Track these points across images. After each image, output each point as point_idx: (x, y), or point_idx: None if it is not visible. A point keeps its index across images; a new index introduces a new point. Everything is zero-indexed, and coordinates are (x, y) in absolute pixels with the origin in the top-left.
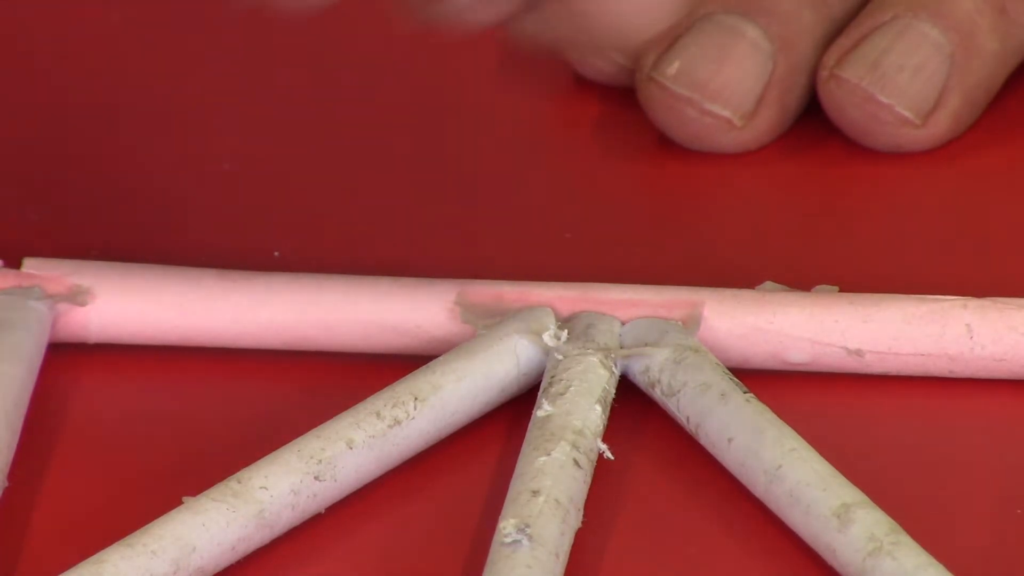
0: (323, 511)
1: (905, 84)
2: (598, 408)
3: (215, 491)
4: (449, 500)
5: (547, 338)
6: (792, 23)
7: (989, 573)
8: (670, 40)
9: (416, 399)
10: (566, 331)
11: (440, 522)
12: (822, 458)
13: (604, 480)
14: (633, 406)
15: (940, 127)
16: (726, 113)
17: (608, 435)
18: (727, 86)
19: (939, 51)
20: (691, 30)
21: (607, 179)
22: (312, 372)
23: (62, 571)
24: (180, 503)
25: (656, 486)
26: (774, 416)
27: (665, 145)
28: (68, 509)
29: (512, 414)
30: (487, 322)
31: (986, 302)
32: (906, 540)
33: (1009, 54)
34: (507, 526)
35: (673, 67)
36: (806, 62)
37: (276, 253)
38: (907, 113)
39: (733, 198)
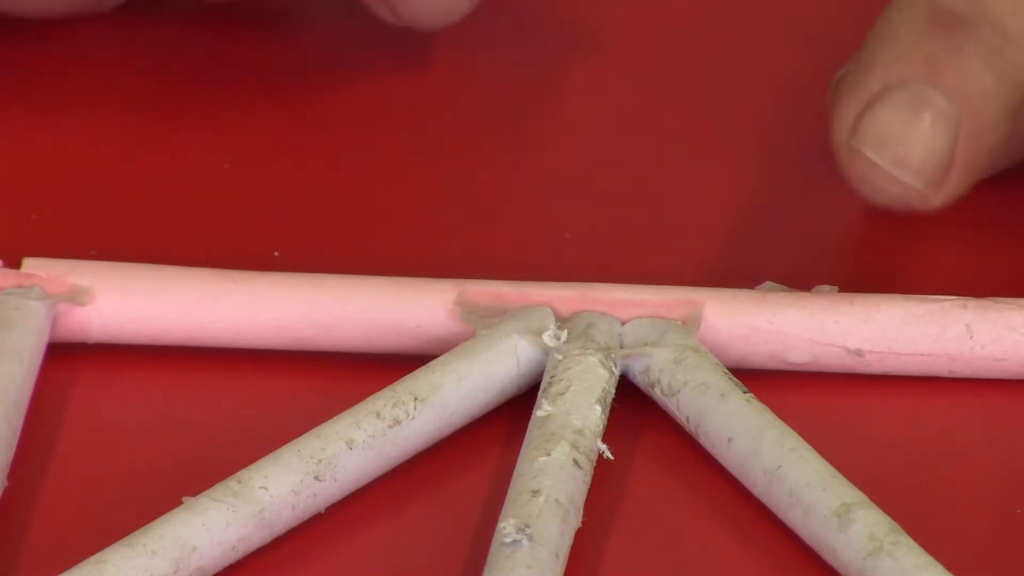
0: (323, 511)
1: (914, 156)
2: (598, 408)
3: (215, 491)
4: (449, 500)
5: (547, 338)
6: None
7: (989, 573)
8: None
9: (416, 399)
10: (566, 331)
11: (440, 522)
12: (822, 458)
13: (604, 480)
14: (633, 406)
15: (949, 194)
16: (918, 184)
17: (608, 435)
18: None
19: (945, 119)
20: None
21: (607, 179)
22: (312, 372)
23: (62, 571)
24: (180, 503)
25: (656, 486)
26: (774, 416)
27: (664, 145)
28: (68, 509)
29: (512, 414)
30: (487, 322)
31: (986, 302)
32: (906, 540)
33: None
34: (507, 526)
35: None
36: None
37: (276, 253)
38: (917, 184)
39: (733, 198)
